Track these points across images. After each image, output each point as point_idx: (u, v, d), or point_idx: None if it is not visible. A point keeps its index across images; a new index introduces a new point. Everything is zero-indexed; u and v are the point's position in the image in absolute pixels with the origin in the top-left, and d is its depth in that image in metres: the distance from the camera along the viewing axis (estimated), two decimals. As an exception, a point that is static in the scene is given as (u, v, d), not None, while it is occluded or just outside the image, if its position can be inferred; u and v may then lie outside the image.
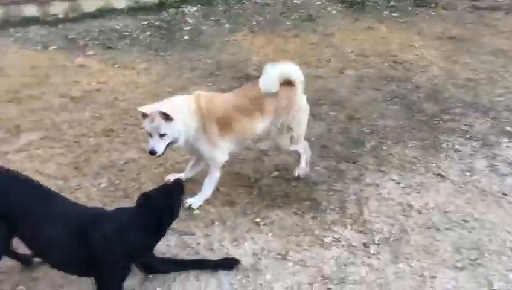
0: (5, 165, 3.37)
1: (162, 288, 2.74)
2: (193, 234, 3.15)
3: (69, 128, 4.25)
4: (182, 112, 3.20)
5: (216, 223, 3.26)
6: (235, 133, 3.41)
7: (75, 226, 2.46)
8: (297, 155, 3.74)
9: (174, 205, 2.63)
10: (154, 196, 2.57)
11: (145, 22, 6.76)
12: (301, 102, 3.60)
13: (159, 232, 2.59)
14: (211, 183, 3.46)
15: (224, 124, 3.35)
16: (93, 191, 3.52)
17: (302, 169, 3.73)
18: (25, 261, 2.82)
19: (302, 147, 3.72)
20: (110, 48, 5.94)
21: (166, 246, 3.01)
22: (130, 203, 3.36)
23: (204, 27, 6.69)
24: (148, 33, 6.41)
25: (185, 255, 2.97)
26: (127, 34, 6.38)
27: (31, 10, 6.56)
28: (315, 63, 5.85)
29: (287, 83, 3.42)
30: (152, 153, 3.14)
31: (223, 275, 2.83)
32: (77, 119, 4.40)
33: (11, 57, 5.50)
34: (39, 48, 5.82)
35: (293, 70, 3.45)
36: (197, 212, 3.34)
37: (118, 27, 6.57)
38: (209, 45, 6.20)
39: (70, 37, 6.17)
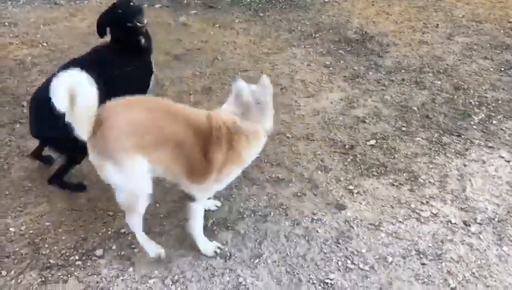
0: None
1: (253, 245, 2.82)
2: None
3: (172, 85, 4.41)
4: None
5: (308, 186, 3.26)
6: None
7: None
8: None
9: None
10: None
11: (246, -18, 6.74)
12: None
13: None
14: None
15: None
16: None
17: None
18: None
19: None
20: (211, 7, 6.01)
21: (254, 201, 3.09)
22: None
23: (304, -13, 6.51)
24: (248, -7, 6.38)
25: (277, 214, 3.02)
26: (228, -7, 6.40)
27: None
28: (421, 28, 5.48)
29: None
30: None
31: (313, 239, 2.85)
32: (179, 76, 4.55)
33: (120, 15, 5.78)
34: (146, 5, 6.03)
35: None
36: (288, 176, 3.36)
37: (219, -14, 6.62)
38: (308, 6, 6.04)
39: (174, -4, 6.33)
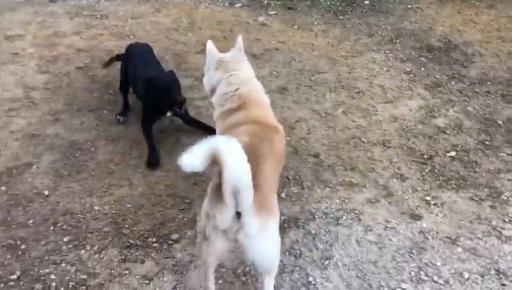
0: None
1: (324, 246, 2.81)
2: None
3: (248, 83, 4.50)
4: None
5: (383, 193, 3.20)
6: None
7: None
8: None
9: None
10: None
11: (327, -16, 6.74)
12: None
13: None
14: None
15: None
16: (266, 143, 3.70)
17: None
18: None
19: None
20: (290, 8, 6.05)
21: (327, 203, 3.08)
22: (299, 158, 3.51)
23: (386, -8, 6.40)
24: (329, -4, 6.37)
25: (349, 219, 2.99)
26: (308, -5, 6.42)
27: (222, -31, 7.00)
28: (511, 38, 5.20)
29: None
30: None
31: (386, 246, 2.80)
32: (256, 75, 4.61)
33: (202, 12, 5.96)
34: (226, 4, 6.19)
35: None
36: (362, 181, 3.32)
37: (299, -12, 6.66)
38: (390, 11, 5.92)
39: (255, -5, 6.44)
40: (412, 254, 2.75)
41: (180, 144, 3.63)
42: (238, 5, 6.20)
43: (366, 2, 6.12)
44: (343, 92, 4.30)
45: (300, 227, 2.95)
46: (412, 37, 5.27)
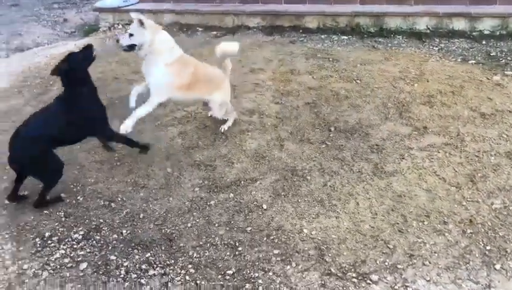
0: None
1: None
2: None
3: (472, 142, 4.27)
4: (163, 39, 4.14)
5: None
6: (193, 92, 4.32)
7: None
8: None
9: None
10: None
11: None
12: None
13: None
14: (143, 109, 4.07)
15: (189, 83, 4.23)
16: (484, 207, 3.47)
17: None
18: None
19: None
20: (533, 71, 5.55)
21: None
22: None
23: None
24: None
25: None
26: (556, 59, 5.79)
27: (459, 24, 6.84)
28: None
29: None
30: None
31: None
32: (482, 135, 4.37)
33: (432, 65, 5.90)
34: (459, 60, 6.01)
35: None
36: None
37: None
38: None
39: (492, 54, 6.09)
40: None
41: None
42: (471, 61, 5.96)
43: None
44: None
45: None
46: None
